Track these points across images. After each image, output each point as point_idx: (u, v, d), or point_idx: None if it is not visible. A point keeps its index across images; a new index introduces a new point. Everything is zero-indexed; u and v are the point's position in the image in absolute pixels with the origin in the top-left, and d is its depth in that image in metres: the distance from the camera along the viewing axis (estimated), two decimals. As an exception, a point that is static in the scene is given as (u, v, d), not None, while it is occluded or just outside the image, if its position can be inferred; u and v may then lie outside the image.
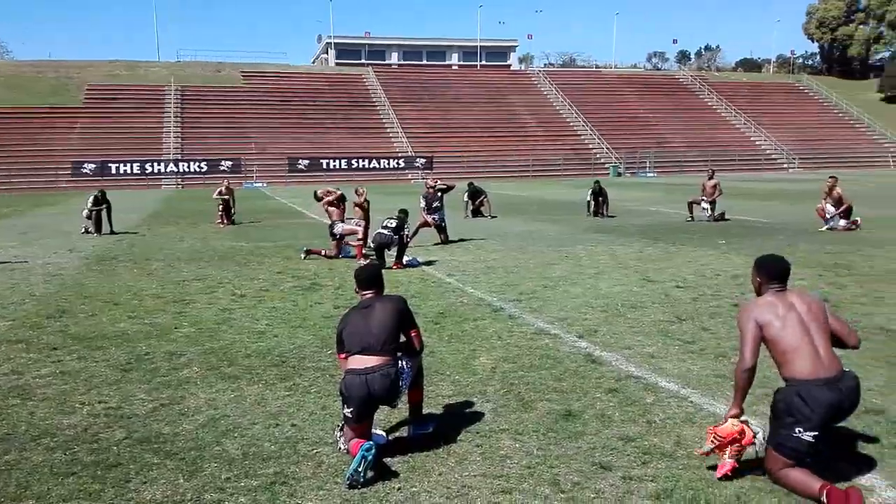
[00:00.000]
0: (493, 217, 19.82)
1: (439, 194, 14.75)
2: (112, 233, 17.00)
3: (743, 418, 3.91)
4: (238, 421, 4.83)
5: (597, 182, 20.34)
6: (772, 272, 4.01)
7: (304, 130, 52.07)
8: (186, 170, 46.67)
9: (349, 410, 4.13)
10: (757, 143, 59.03)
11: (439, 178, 16.58)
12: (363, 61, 73.77)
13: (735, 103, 63.88)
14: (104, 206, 17.24)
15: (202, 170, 46.27)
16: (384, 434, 4.46)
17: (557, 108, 61.03)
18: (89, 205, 17.24)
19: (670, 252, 12.46)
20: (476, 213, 20.31)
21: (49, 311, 8.38)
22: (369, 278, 4.54)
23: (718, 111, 63.83)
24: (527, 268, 11.06)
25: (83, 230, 17.10)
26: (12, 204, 29.86)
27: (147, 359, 6.35)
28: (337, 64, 75.33)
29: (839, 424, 4.24)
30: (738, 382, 3.85)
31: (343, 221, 12.65)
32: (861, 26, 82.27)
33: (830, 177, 16.28)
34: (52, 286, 10.11)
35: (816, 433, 3.62)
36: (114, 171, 44.57)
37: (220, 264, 11.96)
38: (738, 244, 13.25)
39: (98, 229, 16.91)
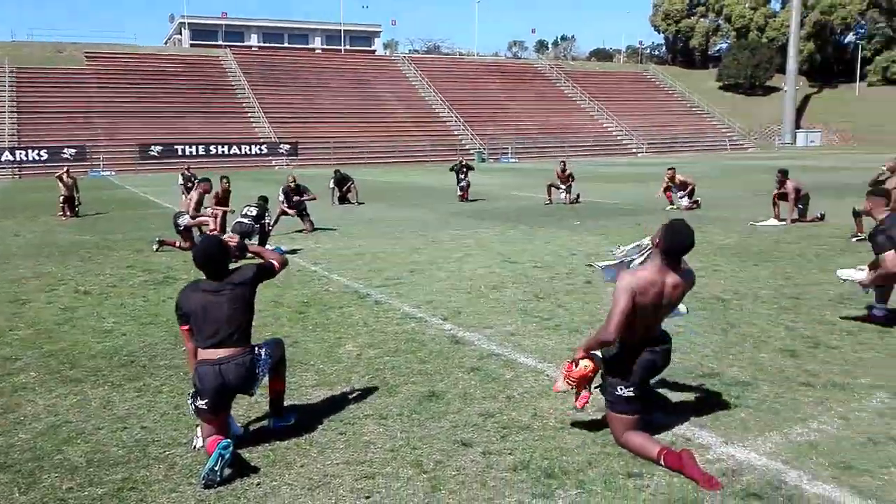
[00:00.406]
0: (360, 204, 19.70)
1: (299, 188, 14.33)
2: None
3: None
4: (81, 427, 4.51)
5: (460, 159, 20.86)
6: (671, 245, 3.94)
7: (157, 115, 49.21)
8: (24, 158, 42.86)
9: (203, 402, 3.96)
10: (609, 129, 62.35)
11: (296, 176, 15.59)
12: (220, 43, 70.71)
13: (589, 91, 67.10)
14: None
15: (42, 158, 42.68)
16: (242, 427, 4.32)
17: (423, 94, 61.45)
18: None
19: (530, 234, 12.92)
20: (343, 199, 20.09)
21: None
22: (206, 259, 4.14)
23: (574, 99, 66.80)
24: (394, 253, 11.08)
25: None
26: None
27: (-25, 365, 5.78)
28: (191, 45, 71.66)
29: (682, 389, 4.61)
30: (592, 342, 4.03)
31: (188, 213, 11.96)
32: (701, 19, 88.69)
33: (668, 168, 17.50)
34: None
35: (635, 388, 3.96)
36: (-64, 161, 40.20)
37: (62, 259, 11.09)
38: (592, 225, 13.95)
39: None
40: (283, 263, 4.49)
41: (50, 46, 56.53)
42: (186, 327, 4.12)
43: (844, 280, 6.46)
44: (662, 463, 3.72)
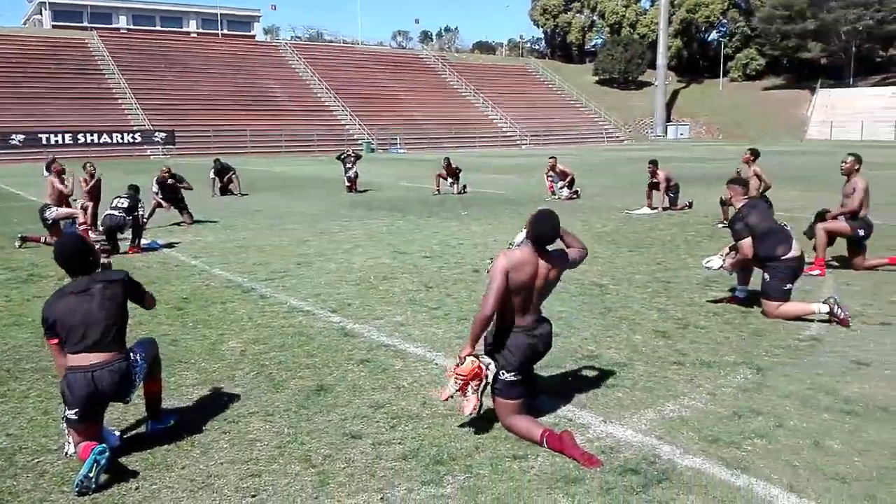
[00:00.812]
0: (243, 195, 19.09)
1: (171, 181, 13.74)
2: None
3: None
4: (-66, 440, 4.14)
5: (344, 153, 20.65)
6: (536, 232, 4.11)
7: (17, 101, 45.50)
8: None
9: (73, 412, 3.72)
10: (494, 121, 63.60)
11: (171, 167, 15.10)
12: (86, 24, 66.23)
13: (473, 84, 68.11)
14: None
15: None
16: (118, 434, 4.10)
17: (308, 82, 60.23)
18: None
19: (419, 224, 12.99)
20: (224, 190, 19.39)
21: None
22: (69, 260, 3.89)
23: (459, 90, 67.60)
24: (280, 246, 10.84)
25: None
26: None
27: None
28: (53, 27, 66.68)
29: (564, 372, 4.79)
30: (474, 330, 4.04)
31: (61, 204, 11.23)
32: (578, 15, 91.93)
33: (550, 157, 18.09)
34: None
35: (516, 373, 4.08)
36: None
37: None
38: (479, 214, 14.22)
39: None
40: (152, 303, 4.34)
41: None
42: (55, 340, 3.84)
43: (709, 269, 6.91)
44: (545, 445, 3.87)
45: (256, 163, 35.81)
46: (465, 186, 19.03)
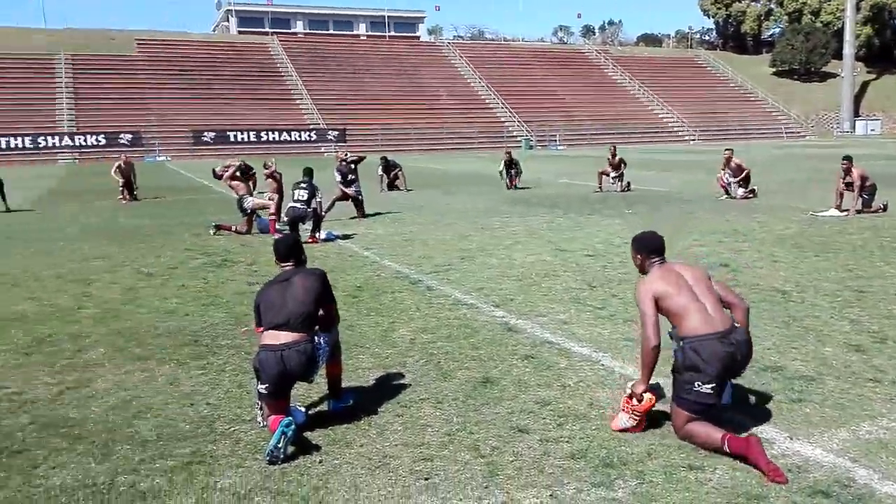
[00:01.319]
0: (408, 190, 19.79)
1: (353, 166, 14.57)
2: (7, 211, 15.95)
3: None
4: (150, 402, 4.68)
5: (508, 153, 20.66)
6: (650, 246, 4.29)
7: (209, 102, 50.17)
8: (83, 143, 44.24)
9: (264, 387, 4.07)
10: (660, 116, 61.24)
11: (349, 151, 16.34)
12: (267, 29, 71.53)
13: (638, 77, 65.92)
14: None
15: (100, 143, 43.97)
16: (303, 409, 4.42)
17: (469, 80, 61.24)
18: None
19: (580, 222, 12.81)
20: (391, 186, 20.21)
21: (-66, 296, 7.82)
22: (288, 249, 4.46)
23: (622, 85, 65.73)
24: (443, 240, 11.13)
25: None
26: None
27: (49, 341, 6.03)
28: (239, 32, 72.69)
29: (738, 381, 4.53)
30: (644, 360, 4.00)
31: (252, 195, 12.33)
32: (753, 3, 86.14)
33: (727, 149, 17.08)
34: (-64, 269, 9.42)
35: (714, 385, 3.83)
36: (3, 146, 41.71)
37: (124, 242, 11.45)
38: (644, 213, 13.76)
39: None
40: (337, 322, 4.59)
41: (101, 34, 57.98)
42: (260, 329, 4.28)
43: None
44: (727, 448, 3.65)
45: (419, 159, 36.97)
46: (629, 184, 18.50)
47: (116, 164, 18.90)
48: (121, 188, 18.44)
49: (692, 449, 3.85)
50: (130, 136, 44.45)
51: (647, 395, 4.00)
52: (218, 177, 12.94)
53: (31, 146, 42.67)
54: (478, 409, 4.47)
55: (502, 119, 56.21)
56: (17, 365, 5.44)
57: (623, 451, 3.88)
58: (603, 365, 5.26)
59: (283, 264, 4.44)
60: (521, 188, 19.61)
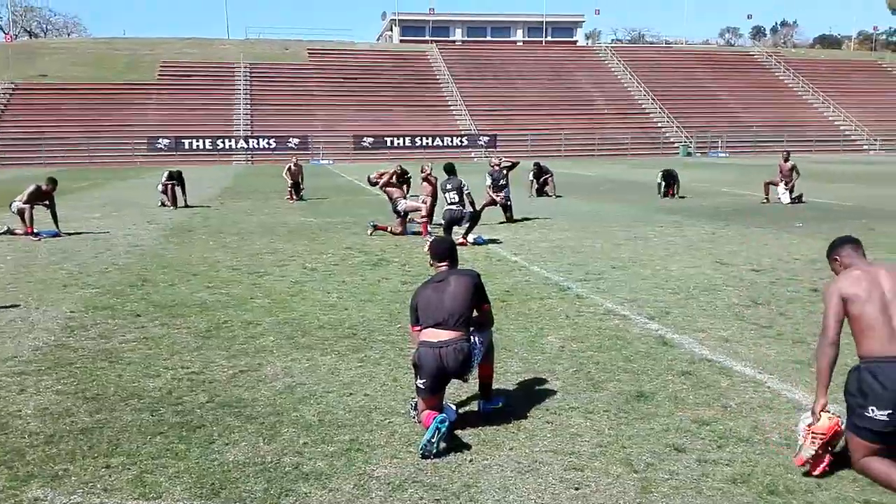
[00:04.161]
0: (557, 197, 19.62)
1: (505, 171, 14.68)
2: (186, 206, 17.58)
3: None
4: (313, 389, 4.97)
5: (667, 170, 19.82)
6: (843, 239, 4.04)
7: (369, 108, 52.43)
8: (256, 146, 47.74)
9: (422, 382, 4.20)
10: (836, 123, 56.49)
11: (503, 156, 16.49)
12: (427, 38, 73.64)
13: (813, 82, 61.13)
14: (179, 180, 17.81)
15: (271, 146, 47.25)
16: (454, 408, 4.51)
17: (626, 85, 59.69)
18: (163, 179, 17.86)
19: (744, 234, 12.10)
20: (540, 192, 20.13)
21: (131, 280, 8.77)
22: (444, 250, 4.60)
23: (795, 90, 61.26)
24: (594, 248, 10.93)
25: (160, 203, 17.74)
26: (91, 177, 31.16)
27: (225, 327, 6.58)
28: (401, 41, 75.46)
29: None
30: (819, 362, 3.70)
31: (405, 198, 12.77)
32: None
33: None
34: (133, 256, 10.56)
35: (890, 412, 3.46)
36: (187, 147, 45.97)
37: (291, 238, 12.24)
38: (817, 227, 12.76)
39: (174, 203, 17.51)
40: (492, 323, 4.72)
41: (277, 44, 62.29)
42: (417, 328, 4.41)
43: None
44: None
45: (570, 165, 36.54)
46: (800, 195, 17.22)
47: (287, 165, 20.25)
48: (289, 188, 19.73)
49: (868, 483, 3.53)
50: (298, 139, 47.46)
51: (826, 416, 3.65)
52: (373, 184, 13.51)
53: (210, 147, 46.71)
54: (630, 423, 4.36)
55: (659, 124, 54.28)
56: (196, 347, 5.98)
57: (790, 479, 3.62)
58: (769, 387, 4.94)
59: (438, 265, 4.57)
60: (680, 197, 18.83)
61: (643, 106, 56.65)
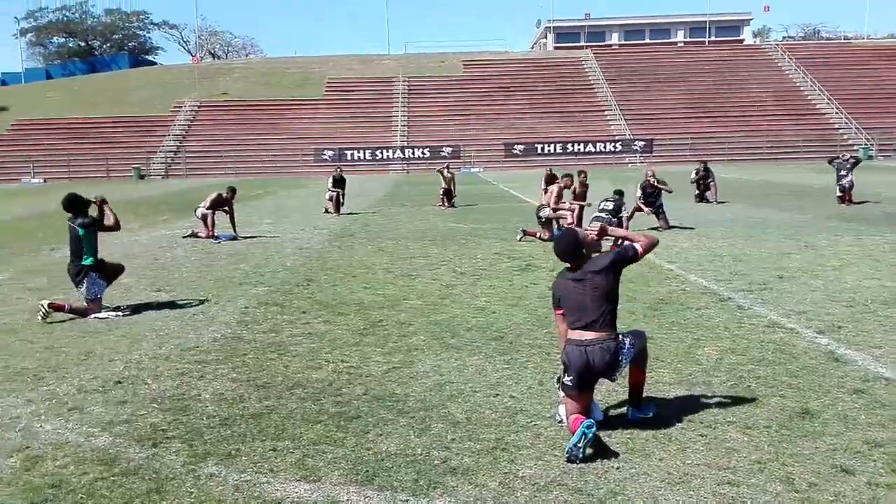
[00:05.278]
0: (719, 203, 18.65)
1: (658, 189, 14.18)
2: (348, 213, 18.57)
3: None
4: (461, 388, 5.11)
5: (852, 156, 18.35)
6: None
7: (521, 116, 52.61)
8: (411, 156, 49.43)
9: (569, 378, 4.19)
10: None
11: (655, 174, 15.39)
12: (582, 44, 72.72)
13: None
14: (342, 187, 18.87)
15: (425, 156, 48.69)
16: (603, 413, 4.45)
17: (798, 84, 55.52)
18: (329, 185, 18.98)
19: (935, 244, 10.89)
20: (701, 197, 19.23)
21: (298, 280, 9.42)
22: (566, 251, 4.41)
23: None
24: (758, 257, 10.30)
25: (324, 210, 18.87)
26: (264, 186, 33.70)
27: (381, 325, 6.91)
28: (555, 48, 75.02)
29: None
30: None
31: (550, 206, 12.70)
32: None
33: None
34: (299, 258, 11.33)
35: None
36: (349, 158, 48.46)
37: (442, 243, 12.59)
38: None
39: (337, 209, 18.57)
40: (650, 246, 4.51)
41: (434, 57, 64.10)
42: (560, 311, 4.42)
43: None
44: None
45: (733, 170, 34.58)
46: None
47: (440, 168, 20.89)
48: (441, 195, 20.27)
49: None
50: (451, 149, 48.59)
51: None
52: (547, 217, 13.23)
53: (370, 158, 48.99)
54: (793, 441, 4.09)
55: (836, 125, 49.96)
56: (355, 343, 6.32)
57: (983, 515, 3.24)
58: (957, 412, 4.44)
59: (567, 265, 4.44)
60: (856, 203, 17.26)
61: (818, 106, 52.43)
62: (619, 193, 11.80)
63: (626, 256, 4.41)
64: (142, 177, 45.90)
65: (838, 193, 17.71)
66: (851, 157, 18.35)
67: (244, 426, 4.51)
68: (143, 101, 55.13)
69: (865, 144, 46.21)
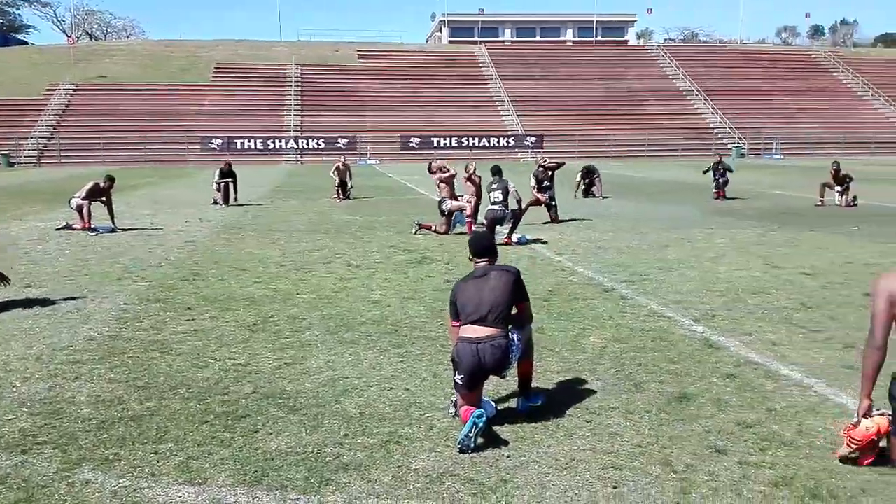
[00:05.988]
0: (604, 197, 19.43)
1: (550, 172, 14.60)
2: (238, 204, 17.97)
3: (874, 411, 3.71)
4: (355, 382, 5.05)
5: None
6: None
7: (417, 109, 52.68)
8: (305, 146, 48.45)
9: (460, 377, 4.23)
10: (897, 124, 54.49)
11: (548, 157, 16.39)
12: (476, 39, 73.70)
13: (873, 82, 59.08)
14: (231, 178, 18.24)
15: (320, 147, 47.88)
16: (493, 403, 4.53)
17: (678, 85, 58.66)
18: (216, 177, 18.29)
19: (796, 237, 11.80)
20: (587, 193, 19.96)
21: (183, 275, 9.02)
22: (483, 246, 4.61)
23: (854, 90, 59.31)
24: (639, 249, 10.81)
25: (212, 201, 18.18)
26: (146, 176, 32.08)
27: (272, 321, 6.73)
28: (450, 42, 75.67)
29: None
30: (864, 364, 3.64)
31: (452, 198, 12.80)
32: None
33: None
34: (185, 252, 10.86)
35: None
36: (239, 147, 46.89)
37: (337, 236, 12.42)
38: (873, 231, 12.36)
39: (226, 200, 17.93)
40: (530, 320, 4.60)
41: (328, 46, 63.05)
42: (456, 323, 4.43)
43: None
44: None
45: (617, 166, 36.12)
46: (854, 198, 16.71)
47: (335, 164, 20.53)
48: (336, 187, 20.00)
49: (920, 492, 3.43)
50: (346, 140, 48.00)
51: (865, 423, 3.62)
52: (432, 171, 13.45)
53: (261, 147, 47.61)
54: (671, 425, 4.31)
55: (711, 125, 53.20)
56: (244, 340, 6.13)
57: (833, 483, 3.54)
58: (815, 391, 4.83)
59: (477, 260, 4.58)
60: (729, 198, 18.45)
61: (696, 107, 55.61)
62: (498, 171, 11.97)
63: (524, 289, 4.49)
64: (11, 164, 42.61)
65: (714, 189, 18.87)
66: (727, 168, 19.29)
67: (123, 429, 4.27)
68: (13, 82, 51.01)
69: (738, 143, 49.45)
